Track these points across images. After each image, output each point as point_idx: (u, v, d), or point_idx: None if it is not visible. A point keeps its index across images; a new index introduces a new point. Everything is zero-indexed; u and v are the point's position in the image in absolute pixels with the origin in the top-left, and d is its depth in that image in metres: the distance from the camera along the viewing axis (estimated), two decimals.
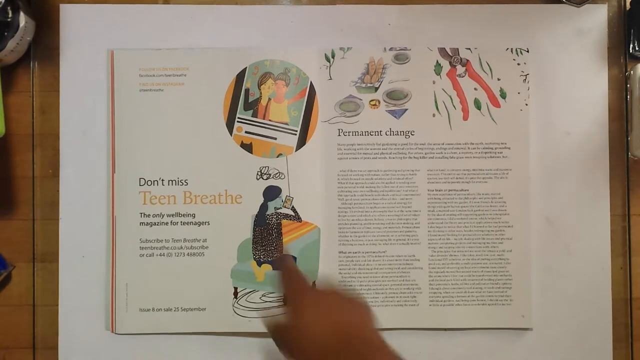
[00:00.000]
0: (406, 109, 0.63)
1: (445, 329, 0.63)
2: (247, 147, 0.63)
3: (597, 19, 0.64)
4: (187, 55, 0.63)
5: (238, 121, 0.63)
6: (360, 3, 0.64)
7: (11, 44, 0.58)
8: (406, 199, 0.63)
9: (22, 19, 0.58)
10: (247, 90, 0.63)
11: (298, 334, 0.47)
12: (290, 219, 0.62)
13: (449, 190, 0.63)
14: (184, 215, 0.62)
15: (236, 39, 0.63)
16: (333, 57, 0.63)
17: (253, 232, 0.62)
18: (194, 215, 0.62)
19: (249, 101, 0.63)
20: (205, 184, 0.62)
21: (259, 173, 0.62)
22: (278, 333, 0.50)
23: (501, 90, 0.63)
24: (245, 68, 0.63)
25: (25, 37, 0.60)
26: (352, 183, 0.63)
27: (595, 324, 0.63)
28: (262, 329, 0.61)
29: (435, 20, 0.64)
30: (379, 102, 0.63)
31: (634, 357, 0.63)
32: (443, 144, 0.63)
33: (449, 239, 0.63)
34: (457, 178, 0.63)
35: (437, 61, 0.63)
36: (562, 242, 0.63)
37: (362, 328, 0.48)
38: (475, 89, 0.63)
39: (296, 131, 0.63)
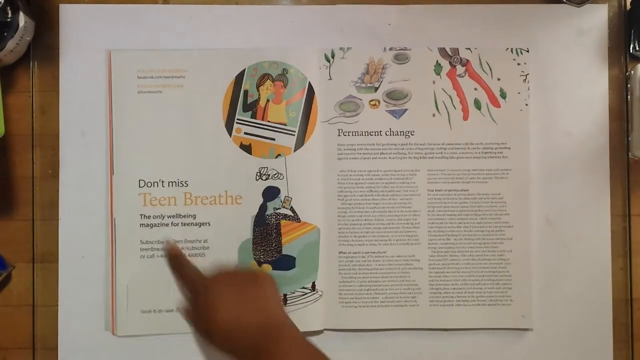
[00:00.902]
0: (406, 109, 0.63)
1: (445, 330, 0.63)
2: (247, 148, 0.62)
3: (598, 18, 0.64)
4: (186, 57, 0.62)
5: (237, 122, 0.63)
6: (360, 3, 0.64)
7: (11, 44, 0.58)
8: (406, 199, 0.63)
9: (22, 19, 0.58)
10: (246, 92, 0.63)
11: (206, 324, 0.47)
12: (289, 219, 0.62)
13: (449, 191, 0.63)
14: (184, 217, 0.62)
15: (236, 39, 0.63)
16: (333, 57, 0.63)
17: (253, 232, 0.62)
18: (194, 216, 0.62)
19: (248, 102, 0.63)
20: (206, 185, 0.62)
21: (259, 174, 0.62)
22: (190, 319, 0.49)
23: (501, 90, 0.63)
24: (244, 70, 0.63)
25: (25, 37, 0.60)
26: (352, 183, 0.63)
27: (596, 325, 0.63)
28: None
29: (435, 20, 0.64)
30: (379, 102, 0.63)
31: (635, 357, 0.63)
32: (443, 144, 0.63)
33: (449, 239, 0.63)
34: (457, 178, 0.63)
35: (437, 61, 0.63)
36: (562, 242, 0.63)
37: (268, 313, 0.47)
38: (475, 89, 0.63)
39: (294, 132, 0.62)
